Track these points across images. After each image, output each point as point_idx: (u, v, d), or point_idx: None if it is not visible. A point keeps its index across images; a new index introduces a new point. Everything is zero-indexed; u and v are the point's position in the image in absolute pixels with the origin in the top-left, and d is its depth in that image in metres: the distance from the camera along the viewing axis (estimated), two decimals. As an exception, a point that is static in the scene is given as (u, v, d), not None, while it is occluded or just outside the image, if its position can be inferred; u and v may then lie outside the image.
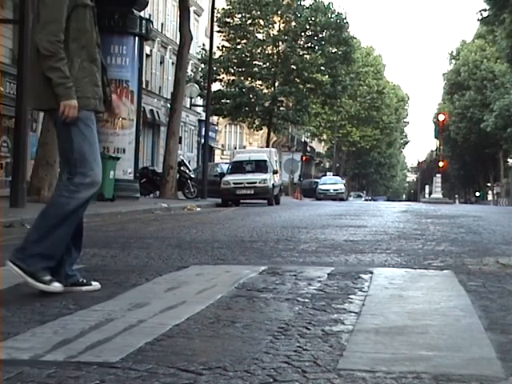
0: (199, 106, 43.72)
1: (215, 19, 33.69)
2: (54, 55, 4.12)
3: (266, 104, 43.98)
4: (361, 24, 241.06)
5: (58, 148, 4.53)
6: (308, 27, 44.71)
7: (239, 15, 44.10)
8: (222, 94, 42.78)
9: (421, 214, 17.13)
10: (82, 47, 4.25)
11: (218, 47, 43.04)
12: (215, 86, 41.61)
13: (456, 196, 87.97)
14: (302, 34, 45.16)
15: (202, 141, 32.02)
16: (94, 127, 4.33)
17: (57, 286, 4.20)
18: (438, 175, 43.63)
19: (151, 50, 41.09)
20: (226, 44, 44.63)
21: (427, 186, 67.44)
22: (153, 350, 2.88)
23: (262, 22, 44.82)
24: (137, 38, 22.11)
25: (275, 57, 45.40)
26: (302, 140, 73.78)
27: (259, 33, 45.26)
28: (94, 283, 4.28)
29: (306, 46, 45.74)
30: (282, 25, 45.40)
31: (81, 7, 4.25)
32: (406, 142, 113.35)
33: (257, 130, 49.62)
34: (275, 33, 45.17)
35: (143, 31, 22.33)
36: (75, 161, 4.22)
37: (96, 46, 4.35)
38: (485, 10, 41.58)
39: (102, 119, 20.81)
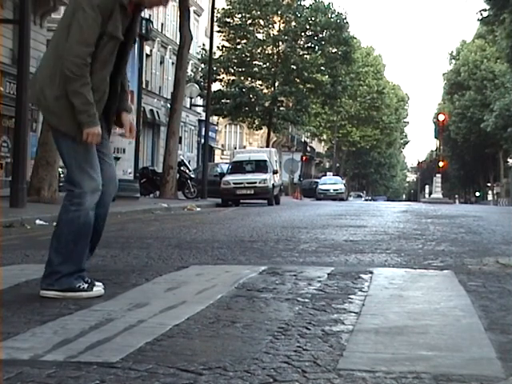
0: (199, 106, 43.72)
1: (215, 19, 33.69)
2: (79, 79, 3.97)
3: (266, 104, 43.97)
4: (361, 24, 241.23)
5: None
6: (308, 27, 44.69)
7: (239, 15, 44.08)
8: (222, 94, 42.77)
9: (421, 214, 17.13)
10: (91, 72, 4.10)
11: (218, 47, 43.03)
12: (215, 86, 41.59)
13: (456, 196, 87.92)
14: (302, 34, 45.14)
15: (202, 141, 32.04)
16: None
17: (98, 289, 4.23)
18: (438, 175, 43.59)
19: (151, 50, 41.10)
20: (226, 44, 44.62)
21: (427, 186, 67.43)
22: (153, 350, 2.88)
23: (262, 22, 44.81)
24: (137, 38, 22.10)
25: (275, 57, 45.38)
26: (302, 140, 73.80)
27: (259, 33, 45.25)
28: (97, 283, 4.27)
29: (306, 46, 45.72)
30: (282, 25, 45.38)
31: (107, 37, 4.08)
32: (406, 142, 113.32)
33: (257, 130, 49.63)
34: (275, 33, 45.15)
35: (143, 31, 22.34)
36: (72, 172, 4.20)
37: (104, 80, 4.16)
38: (485, 10, 41.60)
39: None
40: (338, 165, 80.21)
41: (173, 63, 39.03)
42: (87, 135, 4.04)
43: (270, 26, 45.04)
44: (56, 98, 4.07)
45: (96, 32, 4.01)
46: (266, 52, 45.34)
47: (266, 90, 44.86)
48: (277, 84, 44.96)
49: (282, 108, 45.51)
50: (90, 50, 4.01)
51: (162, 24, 43.63)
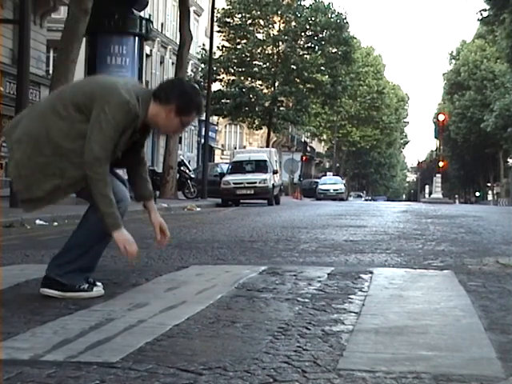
0: (199, 105, 43.64)
1: (215, 19, 33.70)
2: (102, 179, 3.94)
3: (266, 104, 43.98)
4: (361, 24, 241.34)
5: None
6: (308, 27, 44.72)
7: (239, 15, 44.11)
8: (222, 94, 42.78)
9: (421, 214, 17.13)
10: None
11: (218, 47, 43.04)
12: (215, 86, 41.59)
13: (456, 196, 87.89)
14: (302, 34, 45.17)
15: (202, 141, 32.05)
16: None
17: (98, 289, 4.23)
18: (438, 175, 43.61)
19: (151, 50, 41.09)
20: (226, 44, 44.64)
21: (427, 186, 67.44)
22: (153, 350, 2.88)
23: (262, 22, 44.84)
24: (137, 38, 22.11)
25: (275, 57, 45.40)
26: (302, 140, 73.81)
27: (259, 33, 45.27)
28: (97, 283, 4.27)
29: (306, 46, 45.75)
30: (282, 25, 45.41)
31: (128, 129, 4.08)
32: (406, 142, 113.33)
33: (257, 130, 49.64)
34: (275, 33, 45.17)
35: (143, 31, 22.34)
36: None
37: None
38: (485, 10, 41.62)
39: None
40: (338, 165, 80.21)
41: (173, 63, 39.04)
42: (123, 247, 4.01)
43: (270, 26, 45.07)
44: (29, 158, 4.04)
45: (114, 142, 4.00)
46: (266, 52, 45.36)
47: (266, 90, 44.88)
48: (277, 84, 44.97)
49: (282, 108, 45.52)
50: (108, 154, 3.99)
51: (162, 24, 43.62)
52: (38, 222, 11.15)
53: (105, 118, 3.96)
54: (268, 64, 45.45)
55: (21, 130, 4.12)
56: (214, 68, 38.95)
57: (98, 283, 4.29)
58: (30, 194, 4.09)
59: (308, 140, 78.37)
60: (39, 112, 4.17)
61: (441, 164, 46.12)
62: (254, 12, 43.98)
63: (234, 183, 25.69)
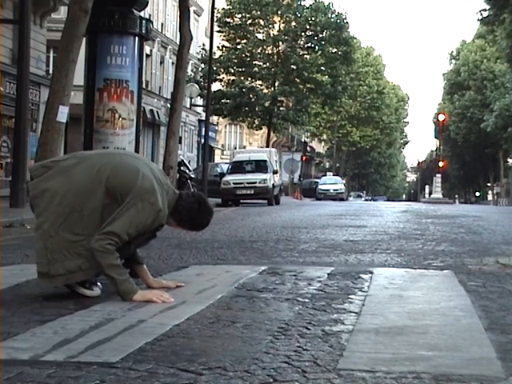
0: (199, 106, 43.71)
1: (215, 19, 33.68)
2: (112, 254, 3.96)
3: (266, 104, 43.96)
4: (361, 24, 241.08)
5: None
6: (308, 27, 44.70)
7: (239, 15, 44.09)
8: (222, 94, 42.77)
9: (421, 214, 17.13)
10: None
11: (218, 47, 43.02)
12: (215, 86, 41.59)
13: (456, 196, 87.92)
14: (302, 33, 45.15)
15: (202, 141, 32.03)
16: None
17: (96, 289, 4.25)
18: (438, 175, 43.58)
19: (151, 50, 41.08)
20: (226, 44, 44.62)
21: (427, 186, 67.39)
22: (153, 350, 2.88)
23: (262, 22, 44.81)
24: (137, 38, 22.08)
25: (275, 57, 45.39)
26: (302, 140, 73.76)
27: (259, 33, 45.26)
28: (95, 288, 4.27)
29: (306, 46, 45.72)
30: (282, 25, 45.40)
31: (149, 233, 4.21)
32: (406, 142, 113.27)
33: (257, 130, 49.63)
34: (275, 33, 45.16)
35: (143, 31, 22.30)
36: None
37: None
38: (485, 10, 41.56)
39: (102, 119, 20.86)
40: (338, 165, 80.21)
41: (173, 63, 39.00)
42: (157, 299, 4.00)
43: (270, 25, 45.05)
44: (57, 231, 4.00)
45: (130, 237, 4.05)
46: (266, 52, 45.34)
47: (266, 90, 44.85)
48: (277, 84, 44.96)
49: (282, 108, 45.50)
50: (121, 241, 4.01)
51: (162, 24, 43.61)
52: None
53: (135, 211, 4.00)
54: (268, 64, 45.43)
55: (53, 199, 4.05)
56: (214, 68, 38.94)
57: (99, 283, 4.30)
58: (51, 269, 4.01)
59: (308, 140, 78.30)
60: (75, 184, 4.07)
61: (441, 164, 46.09)
62: (254, 12, 43.95)
63: (234, 183, 25.67)
